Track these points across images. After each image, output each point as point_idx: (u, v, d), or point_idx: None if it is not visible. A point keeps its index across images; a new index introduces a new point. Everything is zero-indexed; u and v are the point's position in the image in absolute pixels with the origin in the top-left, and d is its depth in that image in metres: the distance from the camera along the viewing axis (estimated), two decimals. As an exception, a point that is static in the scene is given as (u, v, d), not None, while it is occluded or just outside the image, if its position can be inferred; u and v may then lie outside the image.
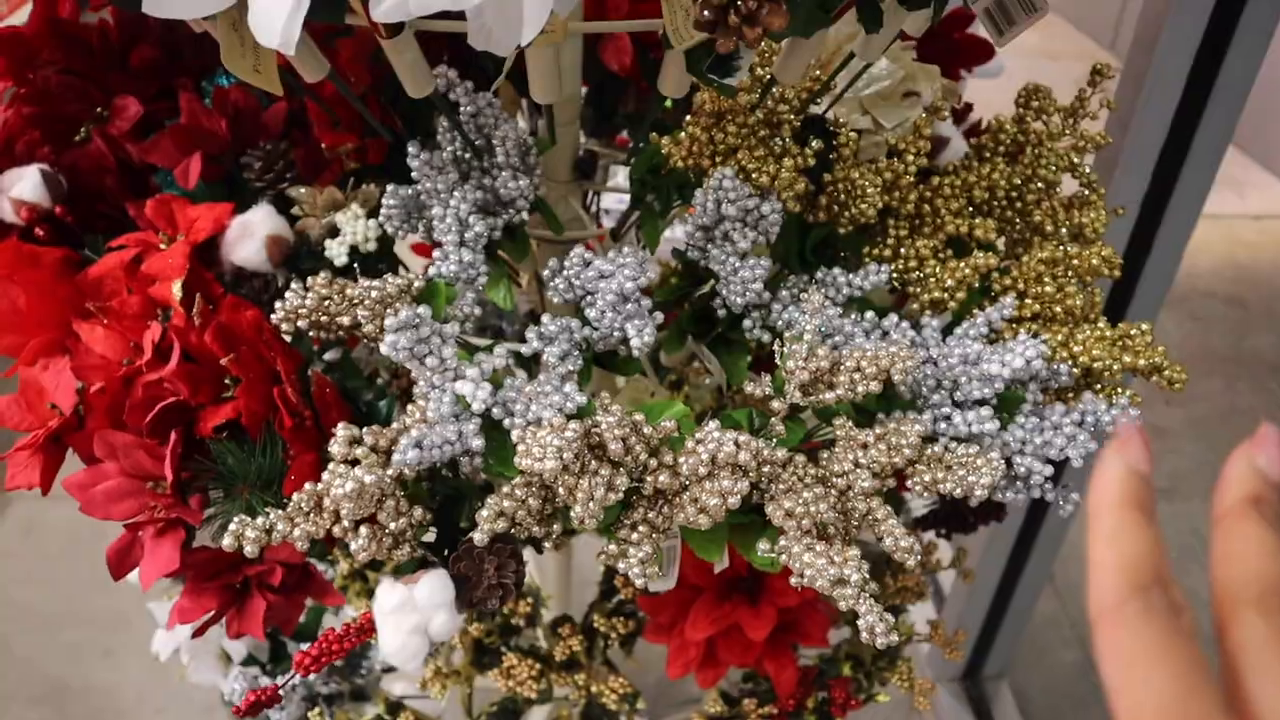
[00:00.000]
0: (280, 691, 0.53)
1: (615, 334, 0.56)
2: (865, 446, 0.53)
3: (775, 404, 0.54)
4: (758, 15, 0.38)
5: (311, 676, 0.85)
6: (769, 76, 0.59)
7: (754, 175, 0.58)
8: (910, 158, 0.62)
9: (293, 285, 0.53)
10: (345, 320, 0.52)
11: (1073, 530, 1.39)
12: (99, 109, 0.66)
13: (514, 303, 0.64)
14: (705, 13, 0.39)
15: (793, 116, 0.62)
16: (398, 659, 0.49)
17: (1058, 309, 0.62)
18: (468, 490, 0.55)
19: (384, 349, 0.49)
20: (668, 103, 0.81)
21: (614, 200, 1.18)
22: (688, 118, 0.62)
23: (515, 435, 0.48)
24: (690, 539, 0.54)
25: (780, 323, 0.60)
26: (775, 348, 0.54)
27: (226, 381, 0.56)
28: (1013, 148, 0.68)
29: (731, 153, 0.60)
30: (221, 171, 0.65)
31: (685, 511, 0.50)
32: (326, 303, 0.53)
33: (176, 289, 0.58)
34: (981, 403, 0.55)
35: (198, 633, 0.55)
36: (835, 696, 0.82)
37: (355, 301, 0.52)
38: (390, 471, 0.49)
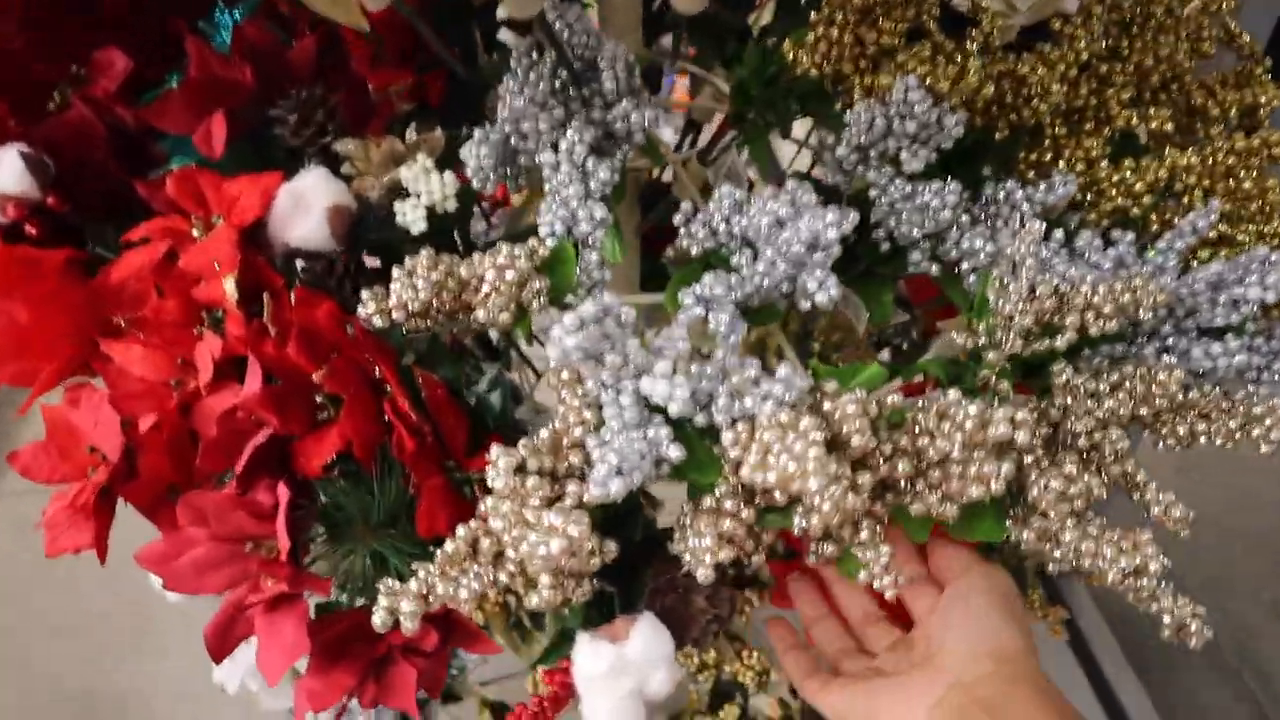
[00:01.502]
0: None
1: (783, 287, 0.46)
2: (1095, 396, 0.45)
3: (992, 355, 0.45)
4: None
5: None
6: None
7: (928, 82, 0.48)
8: (1081, 44, 0.53)
9: (395, 272, 0.42)
10: (479, 314, 0.41)
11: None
12: (74, 67, 0.53)
13: (622, 255, 0.53)
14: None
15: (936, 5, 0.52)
16: (613, 729, 0.40)
17: (1252, 207, 0.54)
18: (635, 504, 0.45)
19: (553, 351, 0.38)
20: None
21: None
22: (815, 14, 0.51)
23: (727, 438, 0.39)
24: (907, 522, 0.45)
25: (955, 253, 0.51)
26: (991, 287, 0.45)
27: (319, 400, 0.45)
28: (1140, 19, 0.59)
29: (887, 55, 0.50)
30: (243, 129, 0.53)
31: (926, 500, 0.41)
32: (439, 289, 0.42)
33: (230, 287, 0.46)
34: (1221, 331, 0.47)
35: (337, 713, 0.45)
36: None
37: (489, 286, 0.41)
38: (570, 502, 0.39)
